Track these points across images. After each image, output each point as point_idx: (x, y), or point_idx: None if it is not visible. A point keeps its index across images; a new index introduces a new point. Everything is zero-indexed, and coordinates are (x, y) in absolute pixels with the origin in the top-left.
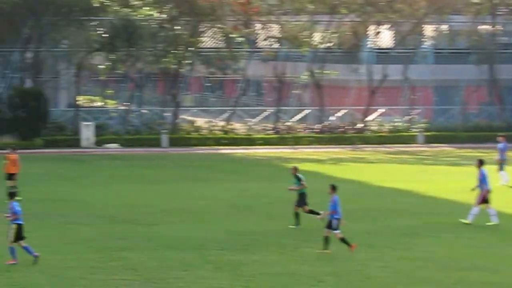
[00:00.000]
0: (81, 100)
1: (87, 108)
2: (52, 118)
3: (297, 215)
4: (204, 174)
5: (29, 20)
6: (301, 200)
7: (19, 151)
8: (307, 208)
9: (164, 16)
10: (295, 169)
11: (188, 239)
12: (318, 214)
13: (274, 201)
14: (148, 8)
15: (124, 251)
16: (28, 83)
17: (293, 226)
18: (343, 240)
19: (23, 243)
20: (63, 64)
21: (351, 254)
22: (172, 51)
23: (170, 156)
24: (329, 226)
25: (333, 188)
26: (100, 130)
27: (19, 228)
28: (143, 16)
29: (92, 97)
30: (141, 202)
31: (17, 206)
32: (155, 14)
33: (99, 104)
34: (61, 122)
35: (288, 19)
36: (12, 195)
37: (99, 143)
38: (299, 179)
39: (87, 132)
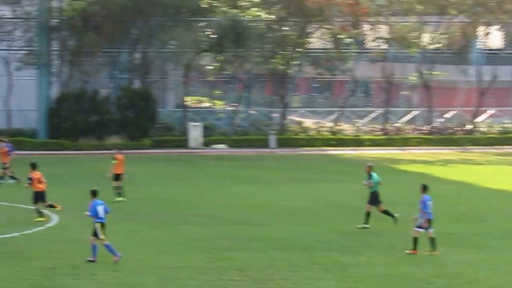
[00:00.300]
0: (189, 100)
1: (195, 109)
2: (160, 118)
3: (368, 214)
4: (312, 175)
5: (137, 21)
6: (373, 199)
7: (127, 151)
8: (382, 207)
9: (272, 17)
10: (370, 167)
11: (296, 239)
12: (392, 216)
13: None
14: (256, 9)
15: (232, 251)
16: (137, 84)
17: (361, 226)
18: (432, 240)
19: (105, 240)
20: (171, 64)
21: (460, 256)
22: (280, 52)
23: (277, 157)
24: (419, 226)
25: (424, 188)
26: (208, 130)
27: (101, 226)
28: (251, 17)
29: (200, 98)
30: (249, 202)
31: (98, 205)
32: (263, 15)
33: (207, 104)
34: (169, 122)
35: (397, 20)
36: (94, 193)
37: (207, 143)
38: (371, 177)
39: (195, 132)
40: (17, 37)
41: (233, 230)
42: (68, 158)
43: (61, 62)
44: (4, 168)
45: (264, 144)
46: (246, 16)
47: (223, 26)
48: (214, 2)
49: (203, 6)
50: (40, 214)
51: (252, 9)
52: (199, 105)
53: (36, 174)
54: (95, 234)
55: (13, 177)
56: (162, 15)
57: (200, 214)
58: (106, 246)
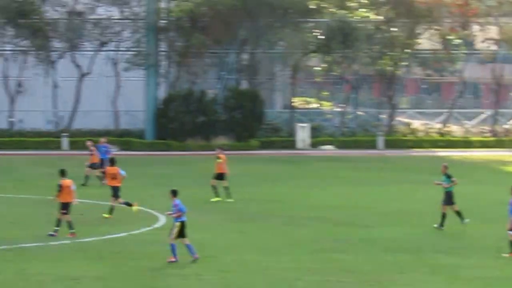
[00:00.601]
0: (297, 101)
1: (303, 110)
2: (267, 119)
3: (444, 216)
4: (420, 176)
5: (245, 22)
6: (448, 198)
7: (234, 152)
8: (456, 207)
9: (381, 17)
10: (445, 167)
11: (405, 241)
12: (462, 218)
13: (491, 204)
14: (364, 10)
15: (340, 252)
16: (244, 85)
17: (437, 226)
18: None
19: (186, 240)
20: (278, 65)
21: None
22: (388, 53)
23: (385, 158)
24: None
25: None
26: (315, 131)
27: (182, 226)
28: (359, 17)
29: (308, 99)
30: (357, 204)
31: (181, 204)
32: (371, 15)
33: (314, 106)
34: (276, 123)
35: (507, 21)
36: (174, 192)
37: (314, 144)
38: (449, 177)
39: (303, 133)
40: (125, 38)
41: (341, 231)
42: (175, 158)
43: (168, 63)
44: (94, 168)
45: (372, 145)
46: (354, 17)
47: (331, 27)
48: (322, 3)
49: (311, 7)
50: (111, 211)
51: (360, 10)
52: (306, 106)
53: (113, 169)
54: (182, 234)
55: (100, 178)
56: (270, 16)
57: (307, 215)
58: (171, 246)
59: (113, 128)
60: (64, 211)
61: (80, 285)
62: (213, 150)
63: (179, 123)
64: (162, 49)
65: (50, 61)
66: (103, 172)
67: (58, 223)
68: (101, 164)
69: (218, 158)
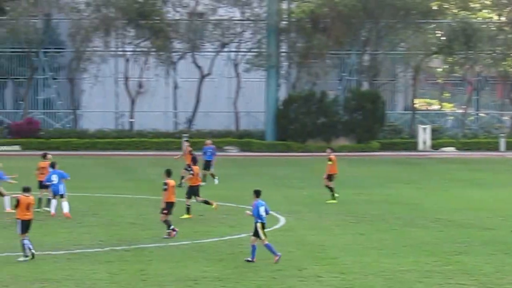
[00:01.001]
0: (418, 103)
1: (424, 111)
2: (388, 121)
3: None
4: None
5: (366, 22)
6: None
7: (354, 154)
8: None
9: (503, 19)
10: None
11: None
12: None
13: None
14: (487, 11)
15: (460, 255)
16: (365, 86)
17: None
18: None
19: (265, 240)
20: (400, 67)
21: None
22: (511, 55)
23: (508, 161)
24: None
25: None
26: (436, 133)
27: (263, 226)
28: (481, 19)
29: (429, 100)
30: (477, 206)
31: (260, 206)
32: (494, 17)
33: (436, 107)
34: (397, 125)
35: None
36: (257, 193)
37: (435, 146)
38: None
39: (424, 135)
40: (246, 39)
41: (461, 234)
42: (295, 160)
43: (289, 64)
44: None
45: (494, 147)
46: (477, 18)
47: (453, 28)
48: (444, 4)
49: (433, 8)
50: (188, 211)
51: (482, 11)
52: (428, 108)
53: (197, 169)
54: (256, 234)
55: (212, 176)
56: (391, 17)
57: (427, 217)
58: (267, 246)
59: (234, 129)
60: (166, 211)
61: (199, 285)
62: (335, 151)
63: (299, 124)
64: (283, 50)
65: (171, 62)
66: (211, 174)
67: (169, 223)
68: (208, 166)
69: (330, 159)
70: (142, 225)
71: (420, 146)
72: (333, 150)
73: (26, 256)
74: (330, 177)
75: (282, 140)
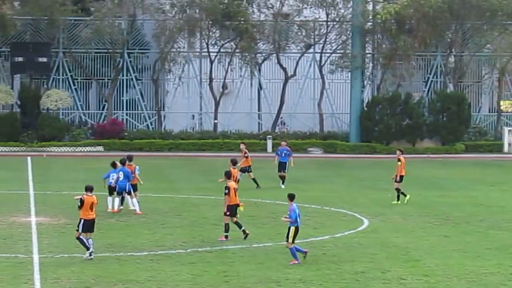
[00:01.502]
0: (504, 105)
1: (510, 113)
2: (473, 123)
3: None
4: None
5: (452, 24)
6: None
7: (438, 156)
8: None
9: None
10: None
11: None
12: None
13: None
14: None
15: None
16: (450, 88)
17: None
18: None
19: (291, 244)
20: (485, 68)
21: None
22: None
23: None
24: None
25: None
26: None
27: (296, 230)
28: None
29: None
30: None
31: (295, 211)
32: None
33: None
34: (482, 127)
35: None
36: (292, 197)
37: None
38: None
39: (510, 137)
40: (331, 40)
41: None
42: (379, 161)
43: (374, 65)
44: (248, 172)
45: None
46: None
47: None
48: None
49: None
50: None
51: None
52: None
53: (234, 172)
54: (287, 237)
55: (255, 181)
56: (477, 18)
57: None
58: (291, 249)
59: (318, 130)
60: (229, 213)
61: None
62: (418, 153)
63: (383, 126)
64: (368, 52)
65: (256, 63)
66: (283, 176)
67: (239, 225)
68: (283, 168)
69: (399, 160)
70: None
71: (506, 148)
72: (402, 152)
73: (89, 251)
74: (399, 178)
75: (366, 142)
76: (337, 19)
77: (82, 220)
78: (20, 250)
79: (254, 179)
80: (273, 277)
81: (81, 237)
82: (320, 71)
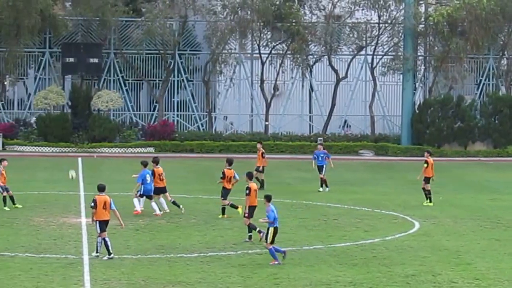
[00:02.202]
0: None
1: None
2: None
3: None
4: None
5: (504, 26)
6: None
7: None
8: None
9: None
10: None
11: None
12: None
13: None
14: None
15: None
16: (502, 90)
17: None
18: None
19: (270, 245)
20: None
21: None
22: None
23: None
24: None
25: None
26: None
27: (275, 231)
28: None
29: None
30: None
31: (273, 211)
32: None
33: None
34: None
35: None
36: (268, 198)
37: None
38: None
39: None
40: (383, 42)
41: None
42: None
43: (426, 67)
44: (260, 171)
45: None
46: None
47: None
48: None
49: None
50: (223, 212)
51: None
52: None
53: (230, 172)
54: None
55: (261, 182)
56: None
57: None
58: (270, 250)
59: (369, 133)
60: (248, 214)
61: None
62: (470, 156)
63: (435, 128)
64: (420, 54)
65: (307, 64)
66: (323, 179)
67: (250, 228)
68: (320, 171)
69: (426, 162)
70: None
71: None
72: (430, 154)
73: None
74: (427, 180)
75: (418, 145)
76: (389, 21)
77: (98, 221)
78: (70, 251)
79: (262, 180)
80: (323, 280)
81: (99, 238)
82: (372, 73)
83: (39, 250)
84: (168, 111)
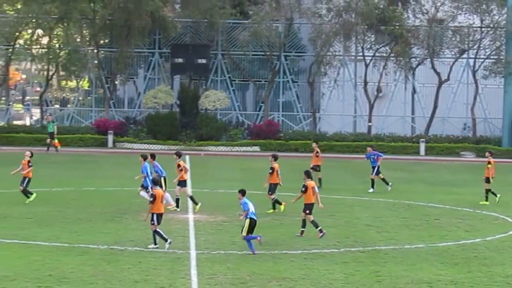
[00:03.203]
0: None
1: None
2: None
3: None
4: None
5: None
6: None
7: None
8: None
9: None
10: None
11: None
12: None
13: None
14: None
15: None
16: None
17: None
18: None
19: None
20: None
21: None
22: None
23: None
24: None
25: None
26: None
27: (250, 222)
28: None
29: None
30: None
31: (247, 204)
32: None
33: None
34: None
35: None
36: (242, 192)
37: None
38: None
39: None
40: (485, 45)
41: None
42: None
43: None
44: (318, 170)
45: None
46: None
47: None
48: None
49: None
50: (273, 207)
51: None
52: None
53: (276, 167)
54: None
55: (320, 180)
56: None
57: None
58: (247, 242)
59: (470, 135)
60: (308, 212)
61: None
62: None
63: None
64: None
65: (410, 67)
66: (373, 180)
67: (303, 223)
68: (372, 172)
69: (489, 163)
70: (378, 228)
71: None
72: (492, 154)
73: (156, 244)
74: (487, 180)
75: None
76: (491, 25)
77: (155, 214)
78: (177, 245)
79: (319, 179)
80: (424, 278)
81: (158, 229)
82: (474, 76)
83: (148, 245)
84: (273, 111)
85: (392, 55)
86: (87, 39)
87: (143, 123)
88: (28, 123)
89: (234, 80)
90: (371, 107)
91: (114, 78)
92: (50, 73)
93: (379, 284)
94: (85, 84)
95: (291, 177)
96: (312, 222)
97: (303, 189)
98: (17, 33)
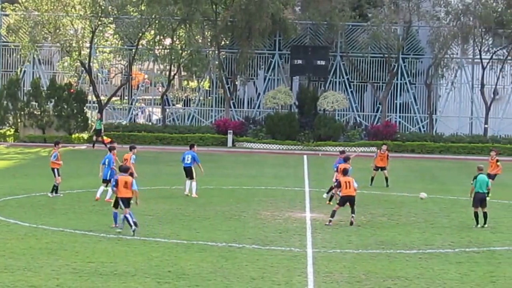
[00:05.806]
0: None
1: None
2: None
3: None
4: None
5: None
6: None
7: None
8: None
9: None
10: None
11: None
12: None
13: None
14: None
15: None
16: None
17: None
18: None
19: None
20: None
21: None
22: None
23: None
24: None
25: None
26: None
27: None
28: None
29: None
30: None
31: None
32: None
33: None
34: None
35: None
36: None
37: None
38: None
39: None
40: None
41: None
42: None
43: None
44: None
45: None
46: None
47: None
48: None
49: None
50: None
51: None
52: None
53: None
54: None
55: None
56: None
57: None
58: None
59: None
60: (340, 204)
61: None
62: None
63: None
64: None
65: None
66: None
67: (333, 213)
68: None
69: (497, 161)
70: (494, 228)
71: None
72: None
73: (121, 229)
74: (493, 177)
75: None
76: None
77: (120, 198)
78: (294, 244)
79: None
80: None
81: (126, 215)
82: None
83: (265, 243)
84: (390, 112)
85: (510, 58)
86: (209, 40)
87: (263, 123)
88: (141, 121)
89: (352, 82)
90: (488, 109)
91: (234, 79)
92: (172, 73)
93: (493, 285)
94: (206, 84)
95: (409, 177)
96: (333, 212)
97: (336, 183)
98: (140, 34)
